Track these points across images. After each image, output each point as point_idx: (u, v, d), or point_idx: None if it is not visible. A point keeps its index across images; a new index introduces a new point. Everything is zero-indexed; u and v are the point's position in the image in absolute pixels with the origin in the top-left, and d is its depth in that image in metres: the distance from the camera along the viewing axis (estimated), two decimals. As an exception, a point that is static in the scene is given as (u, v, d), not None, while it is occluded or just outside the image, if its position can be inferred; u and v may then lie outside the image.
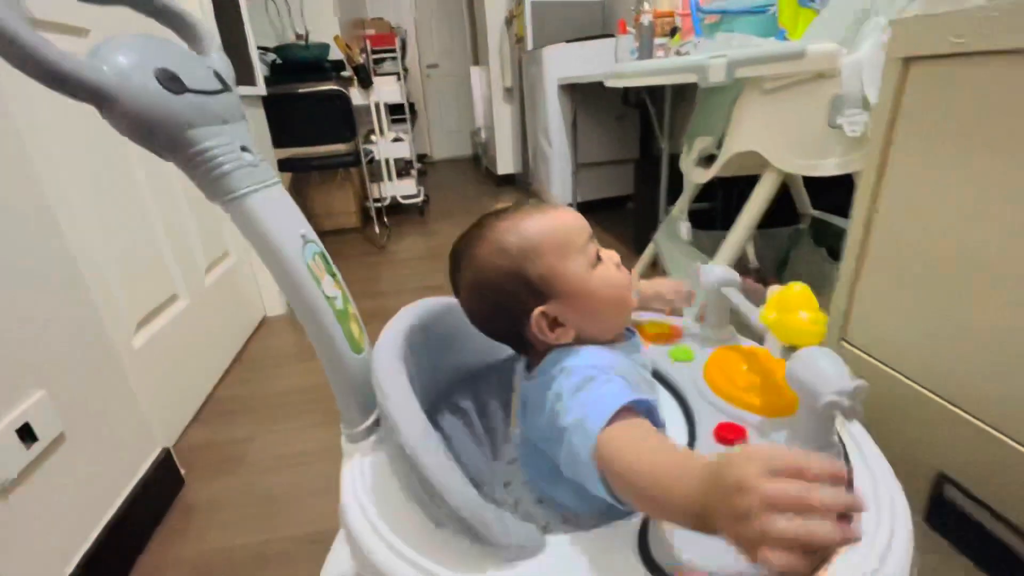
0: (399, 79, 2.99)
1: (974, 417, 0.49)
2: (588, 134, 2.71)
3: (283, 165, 2.38)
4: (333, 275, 0.50)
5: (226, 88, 0.44)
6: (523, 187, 3.65)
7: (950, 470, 0.52)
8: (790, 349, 0.46)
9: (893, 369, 0.57)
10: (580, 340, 0.46)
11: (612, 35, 2.61)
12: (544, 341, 0.46)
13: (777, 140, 0.82)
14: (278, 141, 2.15)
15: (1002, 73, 0.42)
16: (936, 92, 0.48)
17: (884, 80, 0.52)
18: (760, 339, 0.57)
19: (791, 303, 0.47)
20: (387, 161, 2.96)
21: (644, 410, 0.39)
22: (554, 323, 0.45)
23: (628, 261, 1.69)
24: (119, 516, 0.87)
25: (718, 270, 0.58)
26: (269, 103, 2.02)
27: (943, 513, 0.53)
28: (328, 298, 0.47)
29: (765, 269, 1.23)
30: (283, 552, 0.89)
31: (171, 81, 0.39)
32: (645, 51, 2.19)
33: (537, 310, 0.45)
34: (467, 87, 4.58)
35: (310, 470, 1.08)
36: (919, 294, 0.54)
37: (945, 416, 0.51)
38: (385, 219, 2.86)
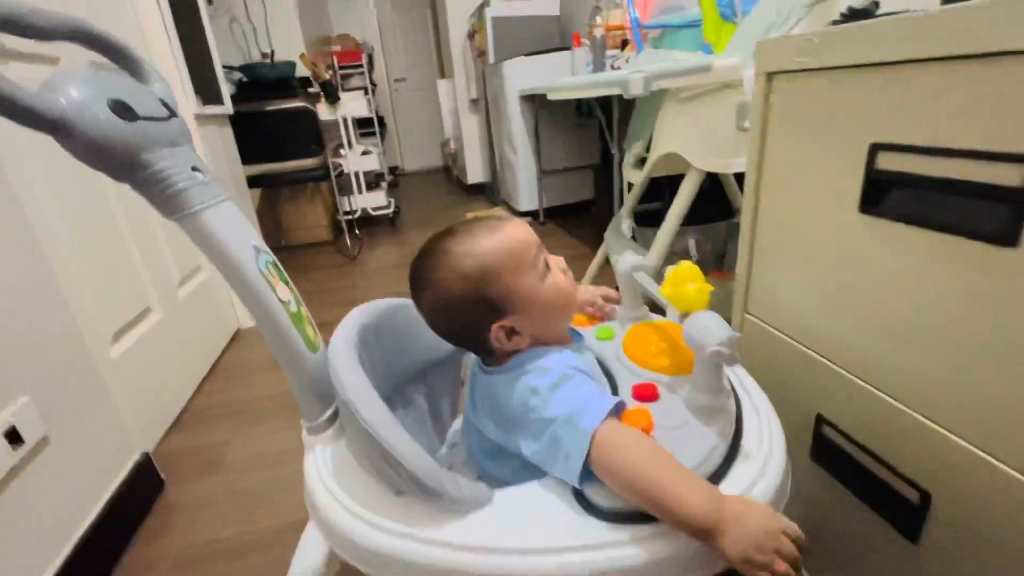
0: (366, 93, 3.07)
1: (842, 368, 0.59)
2: (550, 142, 2.82)
3: (253, 181, 2.42)
4: (286, 282, 0.54)
5: (173, 114, 0.47)
6: (492, 195, 3.74)
7: (826, 412, 0.62)
8: (685, 316, 0.55)
9: (783, 334, 0.67)
10: (534, 343, 0.52)
11: (568, 48, 2.74)
12: (502, 349, 0.52)
13: (695, 143, 0.93)
14: (247, 158, 2.20)
15: (827, 85, 0.53)
16: (791, 100, 0.59)
17: (756, 91, 0.63)
18: (664, 312, 0.66)
19: (682, 278, 0.56)
20: (356, 174, 3.02)
21: (620, 408, 0.46)
22: (511, 332, 0.50)
23: (589, 261, 1.77)
24: (102, 516, 0.92)
25: (629, 258, 0.67)
26: (237, 121, 2.08)
27: (824, 450, 0.63)
28: (282, 302, 0.51)
29: (705, 260, 1.33)
30: (260, 541, 0.95)
31: (124, 111, 0.41)
32: (598, 63, 2.31)
33: (495, 325, 0.50)
34: (435, 100, 4.67)
35: (284, 468, 1.14)
36: (796, 270, 0.64)
37: (821, 369, 0.61)
38: (356, 231, 2.91)
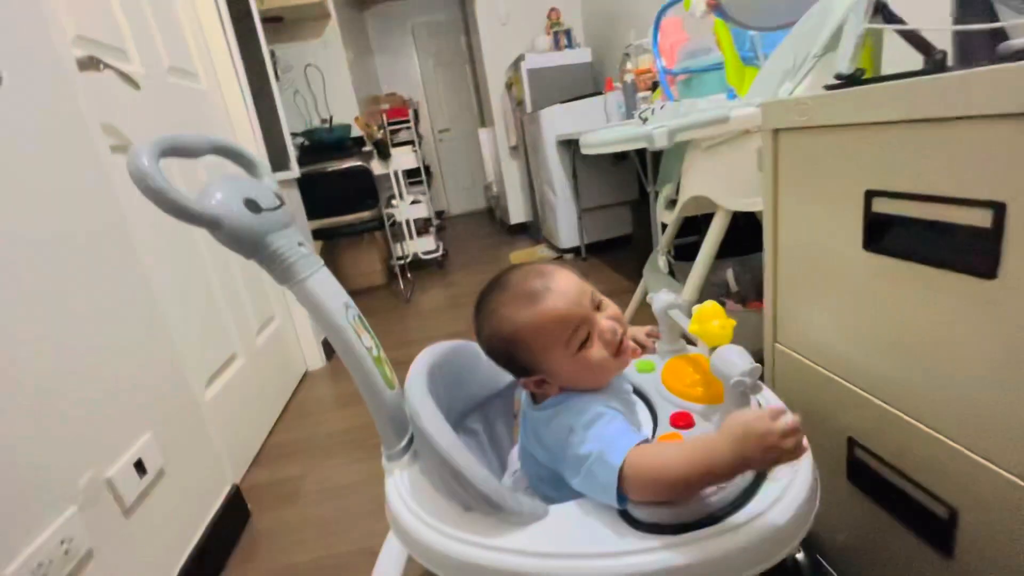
0: (414, 147, 3.30)
1: (863, 390, 0.63)
2: (588, 182, 2.93)
3: (316, 234, 2.65)
4: (368, 331, 0.65)
5: (283, 203, 0.60)
6: (534, 234, 3.87)
7: (856, 435, 0.66)
8: (713, 349, 0.62)
9: (811, 361, 0.72)
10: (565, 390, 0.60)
11: (601, 92, 2.88)
12: (534, 393, 0.61)
13: (720, 185, 1.00)
14: (311, 214, 2.43)
15: (823, 140, 0.60)
16: (796, 152, 0.66)
17: (764, 144, 0.70)
18: (695, 344, 0.73)
19: (706, 316, 0.63)
20: (407, 222, 3.23)
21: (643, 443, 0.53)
22: (540, 383, 0.59)
23: (630, 295, 1.81)
24: (202, 542, 1.04)
25: (664, 297, 0.74)
26: (301, 181, 2.31)
27: (858, 472, 0.66)
28: (367, 348, 0.62)
29: (745, 290, 1.37)
30: (337, 565, 1.05)
31: (252, 206, 0.53)
32: (630, 106, 2.43)
33: (522, 380, 0.60)
34: (477, 147, 4.93)
35: (355, 498, 1.23)
36: (816, 302, 0.69)
37: (847, 393, 0.66)
38: (408, 274, 3.09)
